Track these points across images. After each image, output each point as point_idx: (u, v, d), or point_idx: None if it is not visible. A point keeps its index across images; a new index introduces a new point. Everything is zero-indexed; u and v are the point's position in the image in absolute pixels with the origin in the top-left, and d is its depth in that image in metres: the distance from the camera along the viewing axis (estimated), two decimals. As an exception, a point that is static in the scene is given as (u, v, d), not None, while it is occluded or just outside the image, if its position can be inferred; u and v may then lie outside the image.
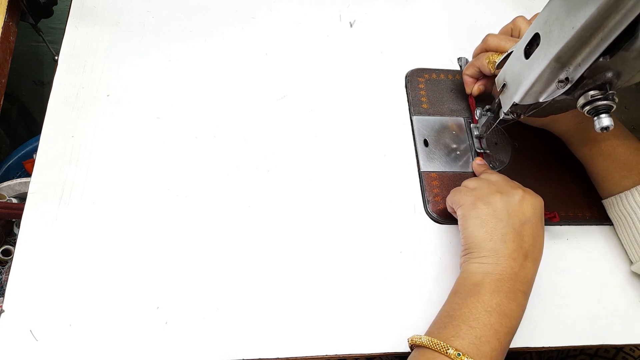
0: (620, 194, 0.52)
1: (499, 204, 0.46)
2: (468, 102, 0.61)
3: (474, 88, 0.57)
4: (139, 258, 0.47)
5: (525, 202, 0.46)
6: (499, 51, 0.53)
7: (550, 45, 0.39)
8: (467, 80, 0.58)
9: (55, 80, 0.55)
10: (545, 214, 0.48)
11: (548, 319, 0.50)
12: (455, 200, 0.49)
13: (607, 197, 0.54)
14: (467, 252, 0.46)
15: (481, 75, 0.57)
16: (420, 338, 0.41)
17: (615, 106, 0.39)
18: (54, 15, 0.60)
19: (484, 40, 0.55)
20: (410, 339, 0.43)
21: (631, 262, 0.53)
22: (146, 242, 0.48)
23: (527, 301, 0.44)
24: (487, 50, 0.54)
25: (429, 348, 0.40)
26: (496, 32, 0.56)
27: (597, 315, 0.51)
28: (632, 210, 0.50)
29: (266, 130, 0.56)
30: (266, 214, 0.52)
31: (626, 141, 0.52)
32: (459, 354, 0.38)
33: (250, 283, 0.48)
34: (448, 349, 0.39)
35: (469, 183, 0.50)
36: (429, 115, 0.60)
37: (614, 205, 0.53)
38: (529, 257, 0.44)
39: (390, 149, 0.57)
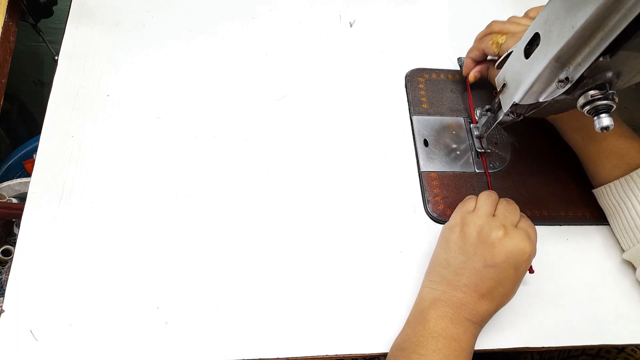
0: (610, 183, 0.51)
1: (472, 238, 0.44)
2: (468, 102, 0.61)
3: (471, 75, 0.58)
4: (139, 258, 0.47)
5: (500, 247, 0.43)
6: (503, 33, 0.53)
7: (550, 45, 0.39)
8: (468, 63, 0.59)
9: (55, 80, 0.55)
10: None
11: (548, 319, 0.50)
12: (453, 213, 0.49)
13: (598, 187, 0.54)
14: (427, 270, 0.48)
15: (483, 59, 0.57)
16: None
17: (615, 106, 0.39)
18: (54, 15, 0.60)
19: (489, 25, 0.56)
20: None
21: (623, 251, 0.53)
22: (146, 242, 0.48)
23: (477, 330, 0.44)
24: (491, 34, 0.55)
25: None
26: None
27: (597, 315, 0.51)
28: (622, 200, 0.50)
29: (266, 130, 0.56)
30: (266, 214, 0.52)
31: (618, 129, 0.52)
32: None
33: (251, 283, 0.48)
34: None
35: (477, 203, 0.48)
36: (429, 115, 0.60)
37: (604, 195, 0.53)
38: (486, 298, 0.43)
39: (390, 149, 0.57)
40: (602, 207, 0.55)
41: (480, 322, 0.44)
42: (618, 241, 0.54)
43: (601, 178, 0.53)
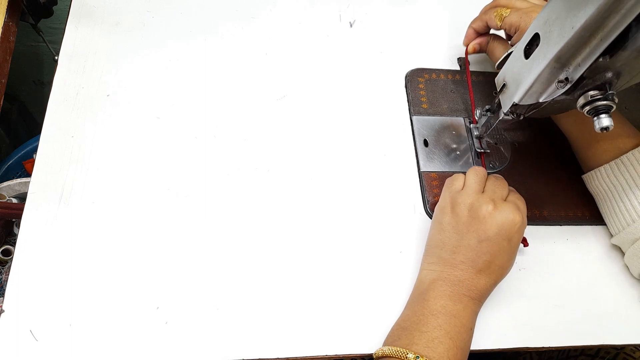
0: (600, 167, 0.51)
1: (464, 216, 0.45)
2: (468, 102, 0.61)
3: (470, 46, 0.59)
4: (139, 258, 0.47)
5: (491, 220, 0.44)
6: (508, 7, 0.54)
7: (550, 45, 0.39)
8: (470, 33, 0.59)
9: (55, 80, 0.55)
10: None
11: (548, 319, 0.50)
12: (442, 193, 0.50)
13: (588, 172, 0.54)
14: (424, 254, 0.48)
15: (485, 32, 0.58)
16: (382, 349, 0.42)
17: (615, 106, 0.39)
18: (54, 15, 0.60)
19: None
20: (374, 354, 0.43)
21: (611, 236, 0.54)
22: (146, 242, 0.48)
23: (477, 307, 0.44)
24: (496, 7, 0.56)
25: (390, 357, 0.41)
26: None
27: (597, 315, 0.51)
28: (612, 183, 0.50)
29: (266, 130, 0.56)
30: (266, 214, 0.52)
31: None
32: (417, 357, 0.39)
33: (250, 283, 0.48)
34: (408, 354, 0.40)
35: (465, 181, 0.48)
36: (429, 115, 0.60)
37: (594, 180, 0.53)
38: (483, 273, 0.44)
39: (390, 149, 0.57)
40: (592, 192, 0.54)
41: (479, 298, 0.44)
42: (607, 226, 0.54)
43: (591, 162, 0.53)
